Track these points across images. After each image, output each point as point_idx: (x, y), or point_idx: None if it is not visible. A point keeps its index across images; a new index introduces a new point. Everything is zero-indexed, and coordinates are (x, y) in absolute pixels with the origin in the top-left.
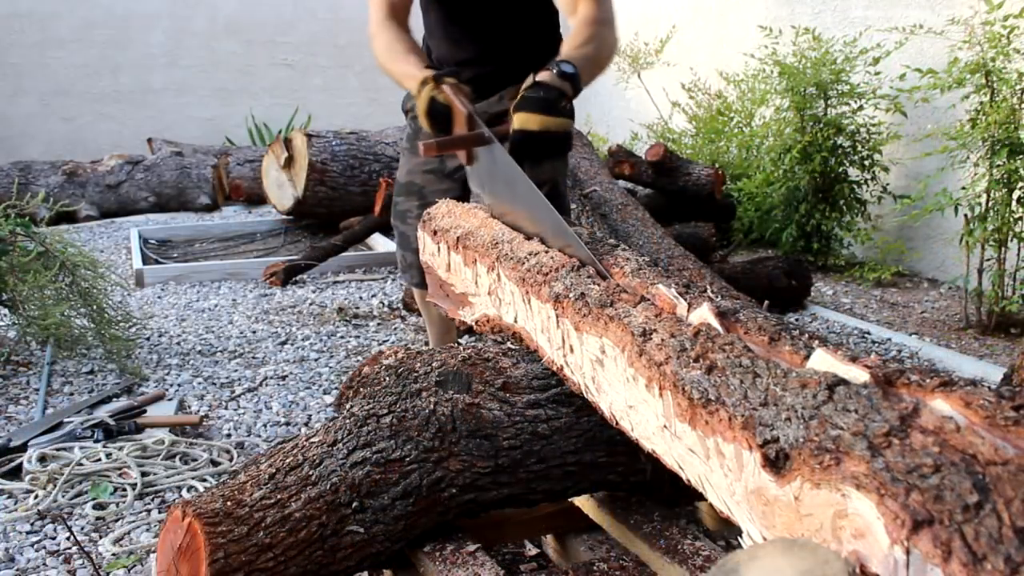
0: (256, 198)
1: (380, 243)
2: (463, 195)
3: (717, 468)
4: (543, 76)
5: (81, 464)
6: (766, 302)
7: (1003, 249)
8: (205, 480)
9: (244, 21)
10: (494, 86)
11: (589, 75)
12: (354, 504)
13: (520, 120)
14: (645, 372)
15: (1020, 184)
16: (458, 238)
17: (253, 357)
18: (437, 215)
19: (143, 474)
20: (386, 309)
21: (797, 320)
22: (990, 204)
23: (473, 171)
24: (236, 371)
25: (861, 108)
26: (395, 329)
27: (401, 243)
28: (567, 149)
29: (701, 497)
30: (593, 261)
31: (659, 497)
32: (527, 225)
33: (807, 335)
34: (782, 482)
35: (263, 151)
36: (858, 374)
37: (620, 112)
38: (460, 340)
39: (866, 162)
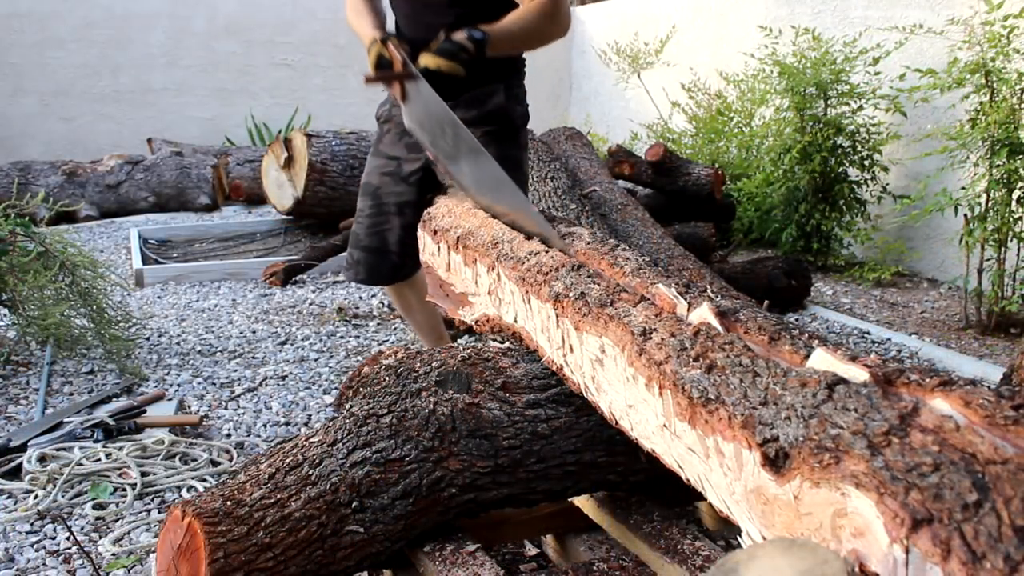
0: (256, 198)
1: None
2: (418, 200)
3: (717, 467)
4: (456, 34)
5: (81, 464)
6: (766, 302)
7: (1003, 249)
8: (205, 480)
9: (244, 21)
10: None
11: (505, 45)
12: (354, 504)
13: (422, 59)
14: (645, 371)
15: (1020, 184)
16: (458, 238)
17: (253, 357)
18: (437, 215)
19: (143, 474)
20: (386, 309)
21: (797, 320)
22: (990, 204)
23: (408, 109)
24: (236, 371)
25: (861, 108)
26: (395, 329)
27: (352, 240)
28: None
29: (701, 497)
30: (546, 227)
31: (659, 497)
32: (457, 164)
33: (807, 335)
34: (781, 481)
35: (263, 151)
36: (858, 373)
37: (620, 112)
38: (460, 340)
39: (866, 162)
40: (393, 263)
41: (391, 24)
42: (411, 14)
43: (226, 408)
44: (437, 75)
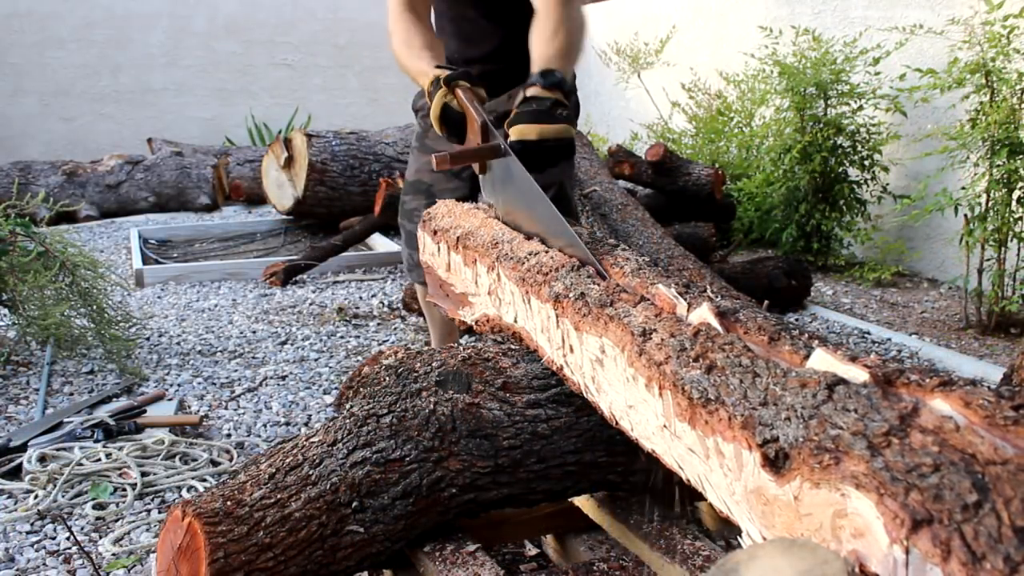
0: (256, 198)
1: (380, 243)
2: (471, 194)
3: (717, 467)
4: (532, 91)
5: (81, 464)
6: (766, 302)
7: (1003, 249)
8: (205, 480)
9: (244, 21)
10: (503, 84)
11: (570, 64)
12: (354, 504)
13: (516, 132)
14: (645, 372)
15: (1020, 184)
16: (458, 238)
17: (253, 357)
18: (437, 215)
19: (143, 474)
20: (386, 309)
21: (797, 320)
22: (990, 204)
23: (486, 180)
24: (236, 371)
25: (861, 108)
26: (395, 329)
27: (408, 242)
28: (571, 153)
29: (701, 497)
30: (594, 263)
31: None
32: (533, 228)
33: (807, 335)
34: (781, 481)
35: (263, 151)
36: (858, 374)
37: (620, 112)
38: (460, 340)
39: (866, 162)
40: None
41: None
42: (458, 37)
43: (226, 408)
44: (542, 143)
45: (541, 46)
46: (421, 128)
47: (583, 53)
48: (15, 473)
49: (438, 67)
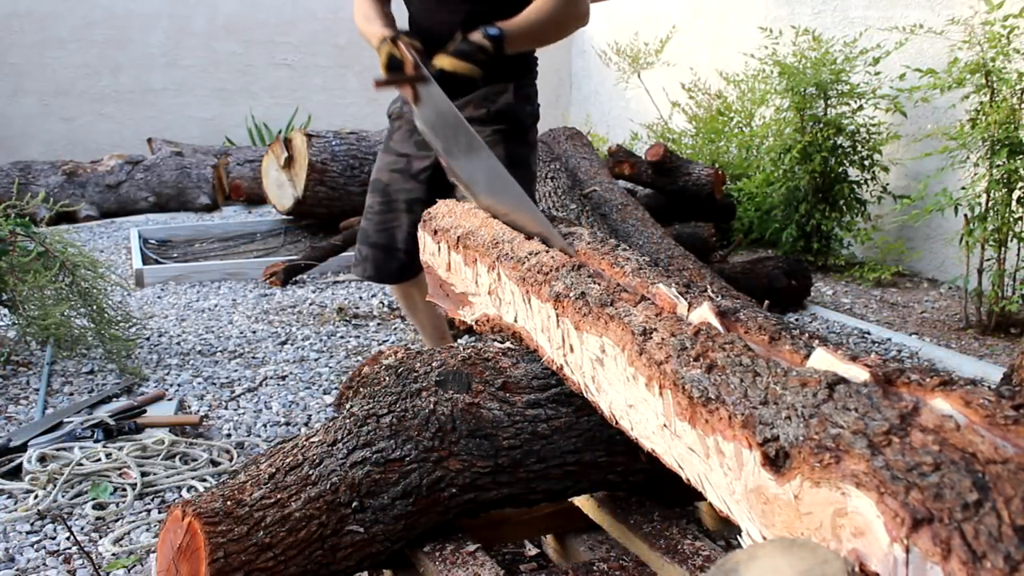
0: (256, 198)
1: None
2: (427, 198)
3: (717, 467)
4: (472, 35)
5: (81, 464)
6: (766, 302)
7: (1003, 249)
8: (205, 480)
9: (244, 21)
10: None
11: (524, 41)
12: (354, 504)
13: (437, 61)
14: (645, 371)
15: (1020, 184)
16: (458, 238)
17: (253, 357)
18: (438, 215)
19: (143, 474)
20: (386, 309)
21: (797, 320)
22: (990, 204)
23: (420, 111)
24: (236, 371)
25: (861, 108)
26: (395, 329)
27: (360, 237)
28: (513, 121)
29: (701, 497)
30: (556, 236)
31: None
32: (465, 167)
33: (807, 335)
34: (782, 481)
35: (263, 151)
36: (858, 373)
37: (620, 112)
38: (460, 340)
39: (866, 162)
40: (401, 261)
41: (403, 22)
42: (424, 10)
43: (226, 408)
44: (452, 76)
45: (527, 10)
46: (389, 131)
47: (563, 36)
48: (15, 473)
49: (386, 28)
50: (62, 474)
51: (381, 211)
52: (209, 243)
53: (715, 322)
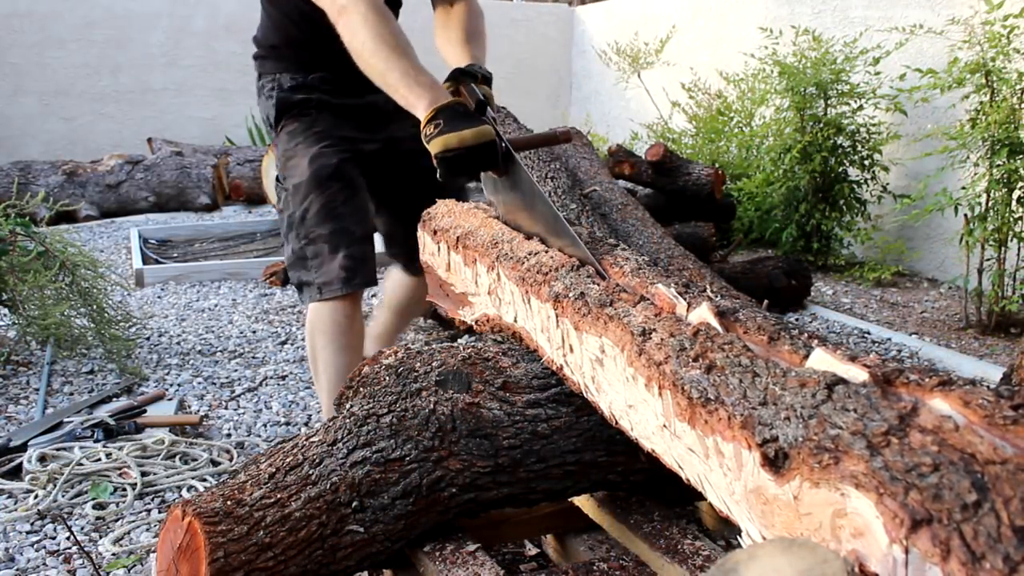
0: (256, 198)
1: (380, 243)
2: (380, 179)
3: (716, 467)
4: (483, 86)
5: (81, 464)
6: (766, 302)
7: (1003, 249)
8: (205, 480)
9: (244, 21)
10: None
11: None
12: (354, 503)
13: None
14: (644, 371)
15: (1020, 184)
16: (458, 238)
17: (253, 357)
18: (437, 215)
19: (143, 474)
20: None
21: (797, 320)
22: (990, 204)
23: (487, 179)
24: (236, 371)
25: (861, 108)
26: None
27: (333, 243)
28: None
29: (701, 497)
30: (594, 263)
31: (659, 497)
32: (534, 228)
33: (806, 335)
34: (781, 481)
35: (263, 151)
36: (857, 373)
37: (620, 112)
38: (460, 340)
39: (866, 162)
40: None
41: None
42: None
43: (226, 408)
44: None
45: (475, 41)
46: (304, 122)
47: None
48: (15, 473)
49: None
50: (62, 474)
51: (348, 197)
52: (209, 243)
53: (714, 322)
